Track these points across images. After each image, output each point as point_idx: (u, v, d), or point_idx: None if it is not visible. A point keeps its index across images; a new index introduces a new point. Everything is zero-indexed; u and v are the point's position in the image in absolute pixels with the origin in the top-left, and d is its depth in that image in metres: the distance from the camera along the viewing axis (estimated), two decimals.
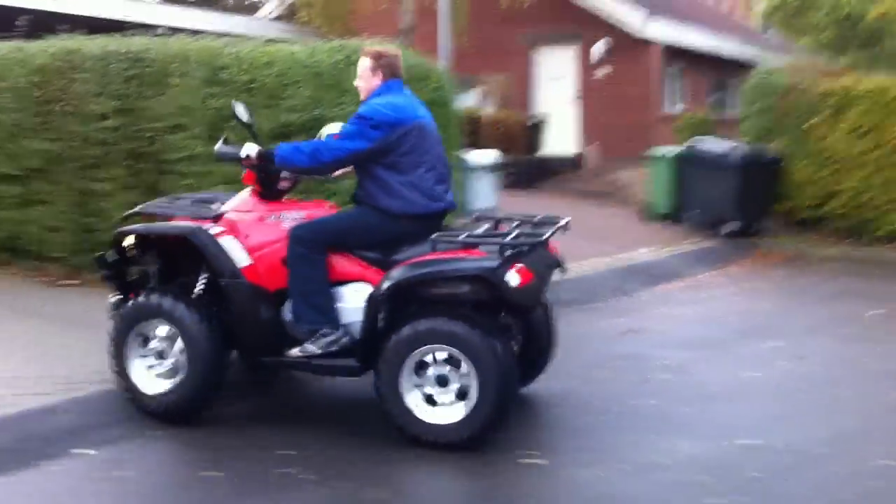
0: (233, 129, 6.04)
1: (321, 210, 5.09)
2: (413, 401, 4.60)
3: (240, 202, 5.03)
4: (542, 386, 5.56)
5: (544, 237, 4.75)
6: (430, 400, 4.61)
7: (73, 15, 13.32)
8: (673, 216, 12.87)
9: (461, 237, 4.61)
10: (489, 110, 17.83)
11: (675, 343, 7.01)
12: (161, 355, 4.93)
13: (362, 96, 4.97)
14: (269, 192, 5.02)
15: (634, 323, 7.65)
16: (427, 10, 16.82)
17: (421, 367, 4.60)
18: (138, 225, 5.31)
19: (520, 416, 5.11)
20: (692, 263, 10.63)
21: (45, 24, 9.43)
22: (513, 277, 4.43)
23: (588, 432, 5.04)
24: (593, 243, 11.09)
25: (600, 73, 18.74)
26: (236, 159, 4.94)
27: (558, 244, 5.14)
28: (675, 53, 19.31)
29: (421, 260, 4.60)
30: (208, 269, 4.91)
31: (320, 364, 4.80)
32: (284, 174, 5.01)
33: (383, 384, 4.61)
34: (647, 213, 13.39)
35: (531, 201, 13.86)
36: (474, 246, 4.60)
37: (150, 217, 5.38)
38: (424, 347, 4.55)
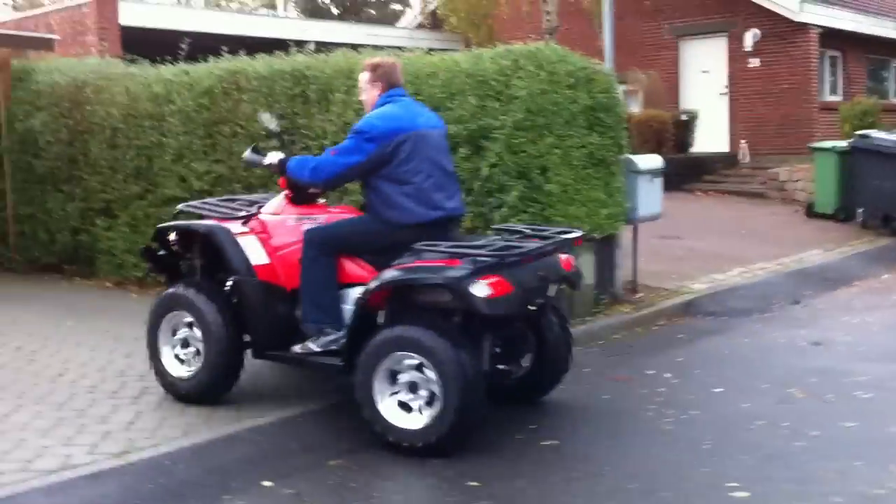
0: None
1: (345, 215, 5.31)
2: (387, 406, 4.68)
3: (273, 205, 5.32)
4: (733, 406, 5.26)
5: (527, 250, 4.69)
6: (404, 406, 4.68)
7: (229, 35, 13.71)
8: (841, 213, 12.21)
9: (442, 247, 4.63)
10: (635, 108, 17.39)
11: (867, 356, 6.56)
12: (186, 343, 5.34)
13: (367, 109, 5.11)
14: (300, 196, 5.27)
15: (817, 334, 7.21)
16: (568, 8, 16.56)
17: (397, 372, 4.67)
18: (172, 222, 5.62)
19: (717, 440, 4.85)
20: (869, 264, 10.04)
21: (205, 45, 9.64)
22: (480, 288, 4.43)
23: (787, 458, 4.68)
24: (756, 246, 10.66)
25: (754, 62, 17.97)
26: (262, 166, 5.36)
27: (571, 259, 5.11)
28: (832, 38, 18.35)
29: (399, 268, 4.69)
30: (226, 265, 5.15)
31: (312, 361, 5.00)
32: None
33: (359, 387, 4.72)
34: (812, 210, 12.76)
35: (685, 205, 13.42)
36: (459, 256, 4.58)
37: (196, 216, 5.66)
38: (396, 354, 4.62)
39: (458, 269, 4.50)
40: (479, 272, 4.47)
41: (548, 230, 5.19)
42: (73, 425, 5.05)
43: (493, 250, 4.59)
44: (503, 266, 4.55)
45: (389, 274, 4.68)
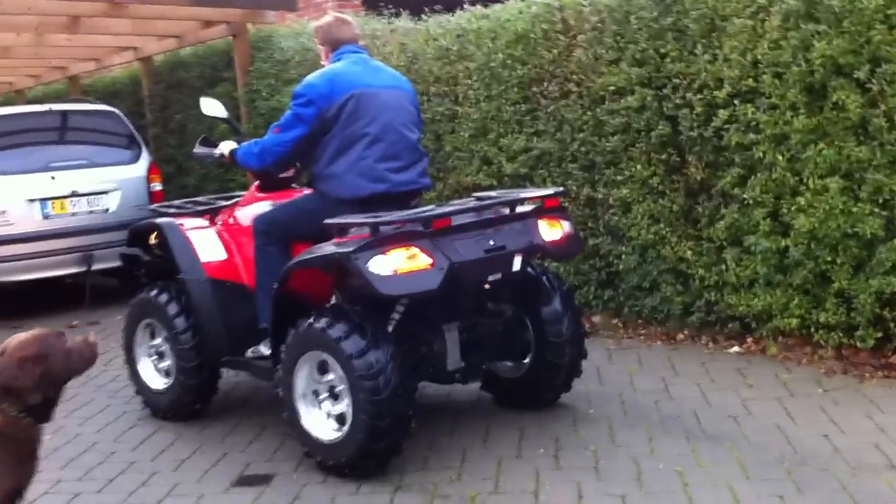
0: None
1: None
2: (307, 414, 3.93)
3: (245, 197, 4.88)
4: None
5: (451, 210, 3.90)
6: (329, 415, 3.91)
7: None
8: None
9: (356, 219, 3.82)
10: None
11: None
12: (161, 354, 4.87)
13: None
14: (269, 182, 4.73)
15: None
16: None
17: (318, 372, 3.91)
18: (136, 224, 5.22)
19: None
20: None
21: None
22: (378, 263, 3.56)
23: None
24: None
25: None
26: (213, 159, 4.78)
27: (558, 222, 4.14)
28: None
29: (307, 250, 3.98)
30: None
31: (256, 366, 4.40)
32: None
33: (283, 395, 3.98)
34: None
35: None
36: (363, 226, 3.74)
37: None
38: (310, 353, 3.85)
39: (351, 244, 3.68)
40: (381, 244, 3.60)
41: (525, 191, 4.58)
42: None
43: (411, 216, 3.80)
44: (424, 236, 3.69)
45: (298, 257, 4.04)
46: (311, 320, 3.79)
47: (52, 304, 8.28)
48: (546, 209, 4.13)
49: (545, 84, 5.98)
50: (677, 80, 5.26)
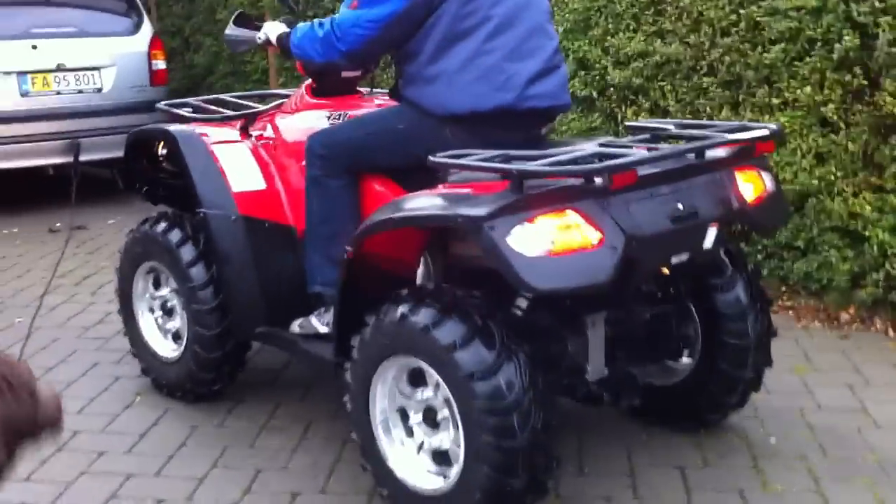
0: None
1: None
2: (389, 445, 2.65)
3: (290, 101, 3.50)
4: None
5: (637, 159, 2.37)
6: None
7: None
8: None
9: (466, 158, 2.48)
10: None
11: None
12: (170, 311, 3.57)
13: None
14: (327, 83, 3.37)
15: None
16: None
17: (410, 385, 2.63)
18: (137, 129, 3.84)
19: None
20: None
21: None
22: (521, 237, 2.21)
23: None
24: None
25: None
26: (253, 47, 3.37)
27: (759, 175, 2.79)
28: None
29: (402, 198, 2.69)
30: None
31: (303, 349, 3.07)
32: None
33: (352, 409, 2.70)
34: None
35: None
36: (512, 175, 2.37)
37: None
38: (399, 357, 2.56)
39: (486, 201, 2.31)
40: (528, 205, 2.28)
41: (716, 125, 2.90)
42: None
43: (570, 160, 2.32)
44: (586, 193, 2.29)
45: (385, 208, 2.67)
46: (403, 309, 2.50)
47: (31, 200, 6.97)
48: (743, 157, 2.81)
49: None
50: None
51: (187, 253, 3.32)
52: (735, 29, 4.37)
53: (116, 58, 6.94)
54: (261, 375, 3.74)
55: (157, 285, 3.60)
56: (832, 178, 4.15)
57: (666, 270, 2.77)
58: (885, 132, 4.02)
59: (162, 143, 3.69)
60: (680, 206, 2.54)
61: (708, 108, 4.53)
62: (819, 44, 4.08)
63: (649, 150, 2.53)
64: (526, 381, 2.35)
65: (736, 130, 2.81)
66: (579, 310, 2.75)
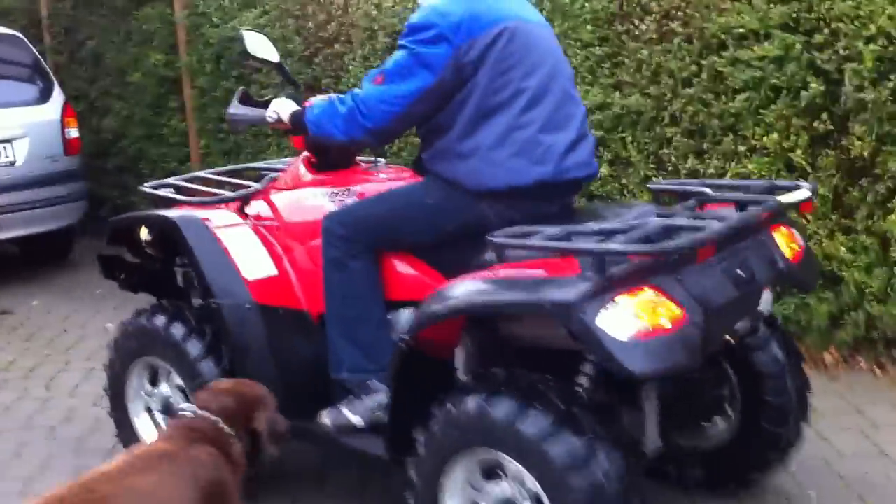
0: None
1: (398, 182, 3.14)
2: None
3: (286, 177, 3.32)
4: None
5: (713, 233, 2.33)
6: None
7: None
8: None
9: (535, 238, 2.36)
10: None
11: None
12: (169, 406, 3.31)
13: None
14: (327, 158, 3.24)
15: None
16: None
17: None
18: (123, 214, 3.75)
19: None
20: None
21: None
22: (609, 320, 2.14)
23: None
24: None
25: None
26: (263, 124, 3.16)
27: (794, 235, 2.81)
28: None
29: (467, 280, 2.50)
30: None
31: (346, 442, 2.89)
32: None
33: None
34: None
35: None
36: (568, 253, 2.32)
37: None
38: (473, 451, 2.43)
39: (570, 283, 2.23)
40: (613, 286, 2.21)
41: (749, 185, 2.99)
42: None
43: (644, 235, 2.29)
44: (661, 269, 2.28)
45: (449, 292, 2.49)
46: (478, 399, 2.38)
47: None
48: (780, 216, 2.83)
49: (634, 21, 4.63)
50: (839, 24, 4.01)
51: (195, 347, 3.11)
52: (697, 79, 4.46)
53: (28, 128, 6.55)
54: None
55: (153, 381, 3.36)
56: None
57: (732, 340, 2.75)
58: (853, 175, 4.16)
59: (146, 229, 3.47)
60: (740, 271, 2.53)
61: (672, 158, 4.60)
62: (785, 91, 4.20)
63: (718, 219, 2.51)
64: (621, 468, 2.27)
65: (768, 190, 2.84)
66: (637, 382, 2.70)
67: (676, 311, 2.28)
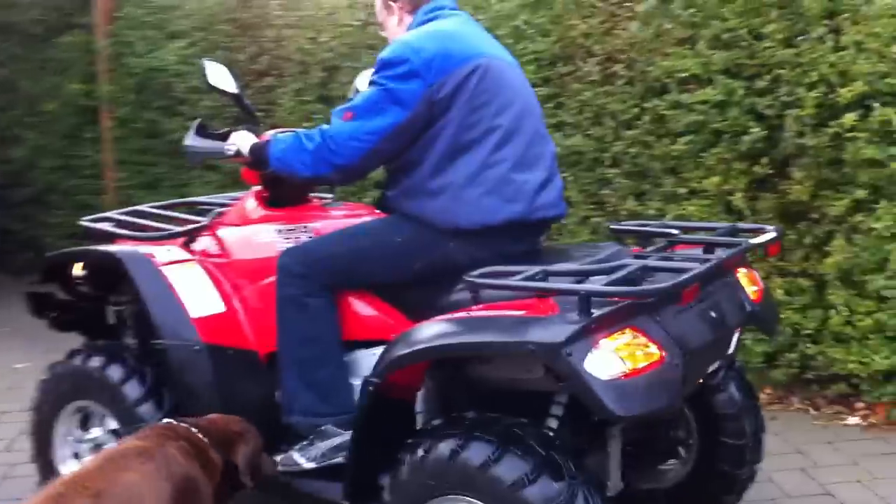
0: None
1: (354, 219, 3.11)
2: None
3: (235, 212, 3.21)
4: None
5: (694, 275, 2.25)
6: None
7: None
8: None
9: (515, 279, 2.32)
10: None
11: None
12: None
13: None
14: (279, 192, 3.13)
15: None
16: None
17: None
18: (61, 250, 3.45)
19: None
20: None
21: None
22: (595, 362, 2.07)
23: None
24: None
25: None
26: (221, 158, 3.04)
27: (756, 277, 2.83)
28: None
29: (443, 320, 2.41)
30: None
31: (301, 484, 2.79)
32: None
33: None
34: None
35: None
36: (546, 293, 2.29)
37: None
38: (443, 498, 2.33)
39: (553, 324, 2.19)
40: (596, 327, 2.16)
41: (714, 227, 2.99)
42: None
43: (625, 276, 2.26)
44: (642, 310, 2.24)
45: (426, 331, 2.40)
46: (451, 444, 2.28)
47: None
48: (744, 258, 2.83)
49: (577, 63, 4.65)
50: (781, 71, 4.10)
51: (133, 390, 2.93)
52: (639, 122, 4.49)
53: None
54: None
55: (83, 425, 3.15)
56: None
57: (701, 382, 2.72)
58: (791, 219, 4.23)
59: (79, 265, 3.27)
60: (712, 313, 2.51)
61: (613, 199, 4.61)
62: (726, 135, 4.25)
63: (694, 260, 2.48)
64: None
65: (731, 232, 2.84)
66: (603, 424, 2.64)
67: (657, 353, 2.24)
